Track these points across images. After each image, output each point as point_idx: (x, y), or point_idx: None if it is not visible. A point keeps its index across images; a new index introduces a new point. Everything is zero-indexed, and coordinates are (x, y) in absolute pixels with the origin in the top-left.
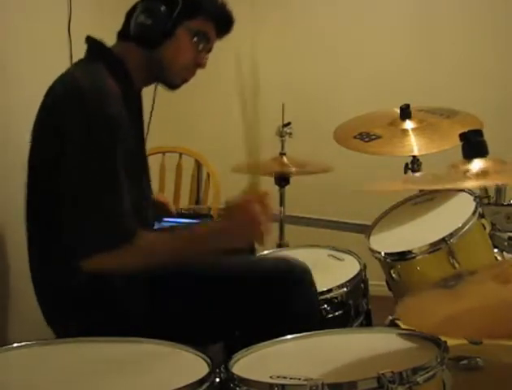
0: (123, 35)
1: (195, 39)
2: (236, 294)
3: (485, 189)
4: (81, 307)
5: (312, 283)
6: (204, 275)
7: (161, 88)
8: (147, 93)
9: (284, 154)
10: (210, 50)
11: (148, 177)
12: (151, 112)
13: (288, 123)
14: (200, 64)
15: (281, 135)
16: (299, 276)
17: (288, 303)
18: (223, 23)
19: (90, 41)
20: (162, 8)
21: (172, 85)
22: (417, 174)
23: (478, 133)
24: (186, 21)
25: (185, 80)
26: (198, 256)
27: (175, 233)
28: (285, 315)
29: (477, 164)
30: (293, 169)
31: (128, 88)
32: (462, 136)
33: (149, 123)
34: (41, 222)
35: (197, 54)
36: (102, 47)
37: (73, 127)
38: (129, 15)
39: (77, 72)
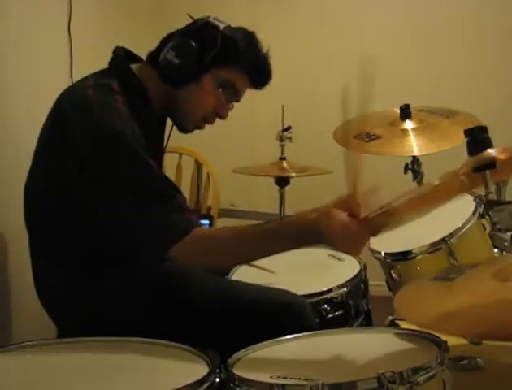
0: (152, 59)
1: (220, 89)
2: (232, 318)
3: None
4: (82, 309)
5: (309, 319)
6: (203, 291)
7: None
8: None
9: (284, 159)
10: (238, 100)
11: None
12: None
13: (289, 128)
14: (220, 116)
15: (281, 139)
16: (296, 314)
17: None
18: (258, 78)
19: (116, 51)
20: (196, 48)
21: (184, 130)
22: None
23: (483, 130)
24: (216, 69)
25: (199, 128)
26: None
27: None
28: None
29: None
30: (293, 174)
31: (142, 107)
32: (467, 133)
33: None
34: (43, 226)
35: (218, 105)
36: (122, 63)
37: (84, 145)
38: (164, 41)
39: (90, 83)
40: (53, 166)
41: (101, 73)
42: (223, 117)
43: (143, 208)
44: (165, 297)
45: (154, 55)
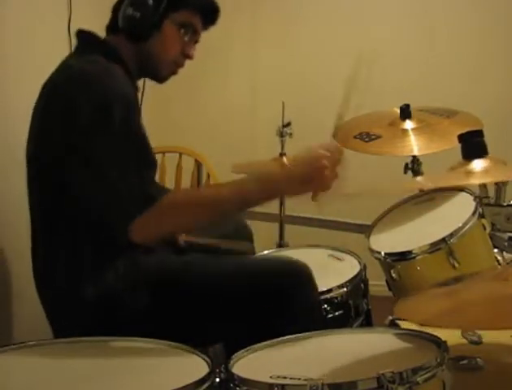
0: (111, 29)
1: (182, 31)
2: (236, 295)
3: (485, 190)
4: (82, 307)
5: (314, 286)
6: (206, 276)
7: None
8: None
9: (284, 155)
10: (197, 41)
11: None
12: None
13: (289, 124)
14: (188, 55)
15: (281, 135)
16: (300, 279)
17: (289, 305)
18: (209, 14)
19: (82, 33)
20: (149, 1)
21: (160, 78)
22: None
23: (477, 134)
24: (172, 13)
25: (173, 73)
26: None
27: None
28: (285, 317)
29: (478, 164)
30: None
31: (126, 75)
32: (461, 138)
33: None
34: (49, 223)
35: (184, 46)
36: (97, 38)
37: (88, 113)
38: (116, 8)
39: (78, 61)
40: (51, 160)
41: (80, 53)
42: (190, 56)
43: (123, 173)
44: (168, 298)
45: (111, 25)
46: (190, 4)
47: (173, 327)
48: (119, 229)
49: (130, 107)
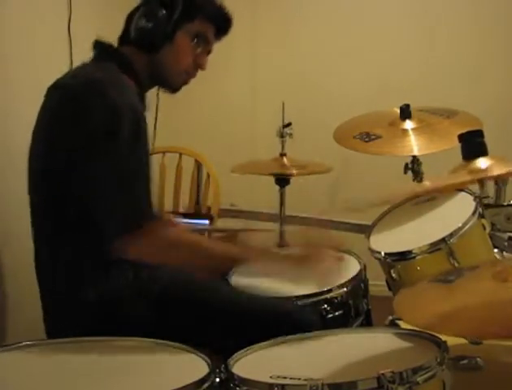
0: (123, 39)
1: (194, 41)
2: (234, 323)
3: (485, 190)
4: (83, 308)
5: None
6: (208, 295)
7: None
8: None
9: (285, 155)
10: (210, 52)
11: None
12: (156, 117)
13: (289, 124)
14: (200, 66)
15: (282, 135)
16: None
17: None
18: (222, 24)
19: (99, 44)
20: (162, 12)
21: (173, 88)
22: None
23: (477, 134)
24: (185, 24)
25: (185, 83)
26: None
27: (203, 241)
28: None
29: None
30: (294, 171)
31: (138, 88)
32: (461, 138)
33: (154, 126)
34: (50, 223)
35: (196, 57)
36: (112, 49)
37: (98, 120)
38: (129, 19)
39: (91, 68)
40: (55, 161)
41: (95, 62)
42: (203, 67)
43: (125, 185)
44: (168, 301)
45: (124, 36)
46: (203, 14)
47: (174, 335)
48: (109, 239)
49: (138, 120)
